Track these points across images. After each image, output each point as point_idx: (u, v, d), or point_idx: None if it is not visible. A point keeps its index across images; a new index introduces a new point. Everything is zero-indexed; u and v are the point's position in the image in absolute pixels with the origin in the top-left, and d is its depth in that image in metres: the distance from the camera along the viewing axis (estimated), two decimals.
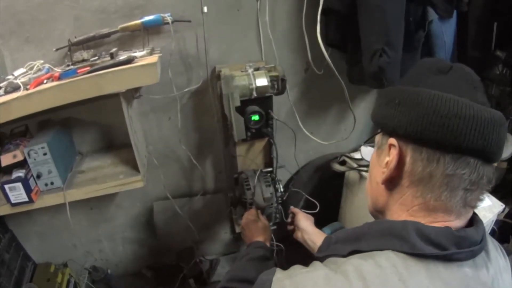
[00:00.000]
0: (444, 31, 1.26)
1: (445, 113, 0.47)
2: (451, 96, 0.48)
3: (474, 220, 0.53)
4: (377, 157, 0.58)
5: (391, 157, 0.52)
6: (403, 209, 0.54)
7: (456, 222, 0.51)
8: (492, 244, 0.56)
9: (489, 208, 1.26)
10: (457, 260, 0.48)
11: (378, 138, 0.59)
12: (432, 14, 1.19)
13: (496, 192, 1.39)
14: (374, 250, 0.49)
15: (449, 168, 0.48)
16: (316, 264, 0.52)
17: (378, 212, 0.60)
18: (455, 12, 1.27)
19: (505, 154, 1.41)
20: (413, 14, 1.14)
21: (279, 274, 0.52)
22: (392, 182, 0.54)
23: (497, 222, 1.44)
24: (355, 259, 0.49)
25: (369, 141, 0.70)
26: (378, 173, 0.57)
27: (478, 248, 0.50)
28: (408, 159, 0.51)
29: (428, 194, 0.50)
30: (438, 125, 0.47)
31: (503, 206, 1.28)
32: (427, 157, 0.49)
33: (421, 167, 0.50)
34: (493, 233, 1.40)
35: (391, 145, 0.53)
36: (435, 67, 0.53)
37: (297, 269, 0.53)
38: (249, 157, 1.24)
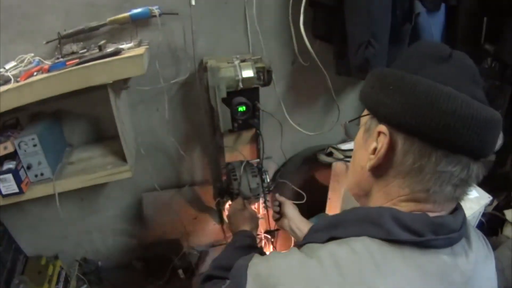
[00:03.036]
0: (432, 24, 1.31)
1: (443, 109, 0.46)
2: (451, 90, 0.47)
3: (454, 208, 0.54)
4: (363, 140, 0.58)
5: (380, 145, 0.52)
6: (387, 198, 0.54)
7: (441, 213, 0.52)
8: (475, 233, 0.58)
9: (476, 200, 1.32)
10: (434, 247, 0.49)
11: (365, 119, 0.57)
12: (419, 7, 1.23)
13: (485, 184, 1.43)
14: (350, 236, 0.50)
15: (440, 164, 0.48)
16: (293, 249, 0.54)
17: (360, 195, 0.61)
18: (443, 6, 1.32)
19: None
20: (399, 6, 1.17)
21: (255, 259, 0.55)
22: (378, 169, 0.54)
23: (486, 214, 1.50)
24: (330, 245, 0.50)
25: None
26: (363, 157, 0.56)
27: (457, 235, 0.51)
28: (398, 150, 0.51)
29: (416, 187, 0.51)
30: (434, 121, 0.46)
31: (491, 198, 1.34)
32: (418, 150, 0.49)
33: (412, 159, 0.50)
34: (481, 225, 1.46)
35: (380, 133, 0.52)
36: (435, 54, 0.52)
37: (273, 254, 0.56)
38: (236, 148, 1.30)
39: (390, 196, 0.54)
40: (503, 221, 1.54)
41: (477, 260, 0.53)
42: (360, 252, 0.47)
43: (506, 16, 1.30)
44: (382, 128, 0.52)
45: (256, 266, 0.53)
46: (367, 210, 0.54)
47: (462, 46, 1.35)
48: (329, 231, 0.54)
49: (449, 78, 0.49)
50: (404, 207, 0.52)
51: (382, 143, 0.52)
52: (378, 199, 0.56)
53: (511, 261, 1.28)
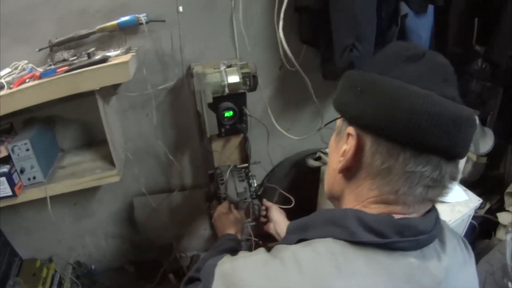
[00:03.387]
0: (420, 26, 1.31)
1: (408, 107, 0.45)
2: (417, 89, 0.46)
3: (429, 211, 0.53)
4: (335, 143, 0.58)
5: (349, 146, 0.52)
6: (358, 200, 0.54)
7: (411, 215, 0.51)
8: (452, 237, 0.56)
9: (465, 203, 1.31)
10: (401, 249, 0.48)
11: (338, 122, 0.57)
12: (405, 8, 1.22)
13: (476, 187, 1.43)
14: (316, 238, 0.50)
15: (409, 164, 0.47)
16: (259, 250, 0.55)
17: (334, 198, 0.60)
18: (431, 7, 1.33)
19: (485, 149, 1.46)
20: (385, 9, 1.18)
21: (224, 258, 0.56)
22: (349, 171, 0.54)
23: (478, 217, 1.49)
24: (295, 246, 0.51)
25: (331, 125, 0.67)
26: (335, 160, 0.56)
27: (426, 238, 0.49)
28: (366, 151, 0.50)
29: (385, 187, 0.50)
30: (400, 120, 0.46)
31: (480, 201, 1.33)
32: (386, 150, 0.48)
33: (380, 160, 0.49)
34: (473, 228, 1.46)
35: (349, 134, 0.52)
36: (405, 54, 0.51)
37: (240, 254, 0.57)
38: (224, 153, 1.32)
39: (360, 198, 0.53)
40: (496, 224, 1.53)
41: (451, 264, 0.51)
42: (322, 253, 0.47)
43: (496, 16, 1.30)
44: (350, 129, 0.52)
45: (223, 265, 0.54)
46: (333, 212, 0.54)
47: (453, 47, 1.35)
48: (300, 233, 0.54)
49: (417, 78, 0.48)
50: (374, 209, 0.52)
51: (350, 144, 0.52)
52: (350, 202, 0.56)
53: (501, 264, 1.28)
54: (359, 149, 0.51)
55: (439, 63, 0.51)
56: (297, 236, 0.54)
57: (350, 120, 0.53)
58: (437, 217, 0.53)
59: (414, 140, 0.46)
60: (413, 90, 0.46)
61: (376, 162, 0.50)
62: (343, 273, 0.45)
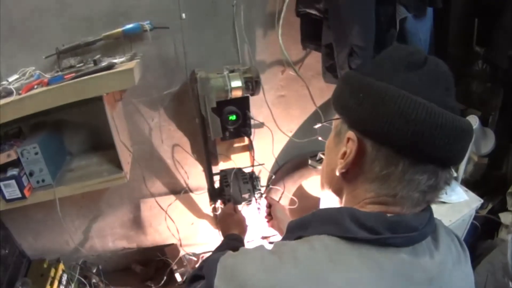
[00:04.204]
0: (419, 28, 1.31)
1: (411, 118, 0.46)
2: (420, 100, 0.47)
3: (423, 209, 0.54)
4: (334, 144, 0.59)
5: (349, 151, 0.53)
6: (355, 201, 0.55)
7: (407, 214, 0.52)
8: (447, 235, 0.58)
9: (465, 203, 1.32)
10: (393, 245, 0.49)
11: (336, 123, 0.58)
12: (403, 12, 1.22)
13: (478, 187, 1.44)
14: (313, 235, 0.52)
15: (407, 173, 0.49)
16: (260, 246, 0.57)
17: (332, 193, 0.62)
18: (430, 9, 1.33)
19: (486, 150, 1.47)
20: (383, 12, 1.18)
21: (227, 254, 0.57)
22: (347, 174, 0.55)
23: (480, 218, 1.50)
24: (293, 243, 0.53)
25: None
26: (333, 161, 0.58)
27: (417, 234, 0.51)
28: (366, 156, 0.51)
29: (383, 191, 0.52)
30: (402, 130, 0.47)
31: (481, 201, 1.34)
32: (386, 157, 0.50)
33: (379, 167, 0.50)
34: (475, 229, 1.46)
35: (349, 139, 0.53)
36: (407, 60, 0.51)
37: (242, 249, 0.59)
38: (229, 155, 1.35)
39: (357, 199, 0.55)
40: (498, 224, 1.54)
41: (444, 261, 0.53)
42: (317, 248, 0.49)
43: (495, 18, 1.31)
44: (351, 134, 0.52)
45: (225, 260, 0.55)
46: (329, 210, 0.56)
47: (453, 48, 1.36)
48: (298, 232, 0.56)
49: (419, 87, 0.49)
50: (369, 209, 0.53)
51: (351, 149, 0.52)
52: (347, 202, 0.58)
53: (502, 264, 1.29)
54: (359, 154, 0.52)
55: (441, 72, 0.52)
56: (296, 234, 0.56)
57: (351, 124, 0.54)
58: (430, 215, 0.55)
59: (414, 149, 0.48)
60: (417, 101, 0.47)
61: (375, 168, 0.51)
62: (337, 266, 0.47)
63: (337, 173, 0.56)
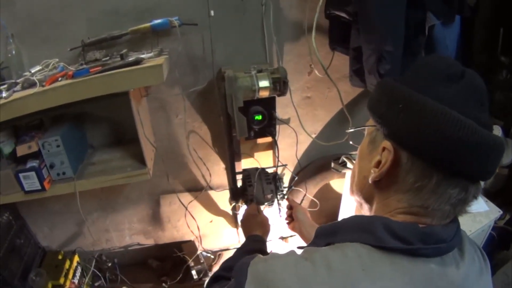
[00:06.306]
0: (447, 36, 1.27)
1: (448, 134, 0.46)
2: (457, 116, 0.46)
3: (451, 221, 0.54)
4: (367, 150, 0.58)
5: (384, 161, 0.52)
6: (386, 210, 0.55)
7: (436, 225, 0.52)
8: (471, 247, 0.57)
9: (485, 214, 1.29)
10: (423, 256, 0.49)
11: (371, 129, 0.57)
12: (433, 19, 1.20)
13: (496, 198, 1.40)
14: (345, 242, 0.52)
15: (440, 186, 0.49)
16: (291, 251, 0.56)
17: (361, 201, 0.61)
18: (458, 17, 1.28)
19: (507, 160, 1.42)
20: (412, 19, 1.15)
21: (257, 258, 0.56)
22: (380, 183, 0.55)
23: (497, 228, 1.45)
24: (325, 249, 0.52)
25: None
26: (366, 168, 0.57)
27: (446, 246, 0.51)
28: (400, 167, 0.51)
29: (415, 202, 0.51)
30: (439, 145, 0.47)
31: (501, 212, 1.30)
32: (420, 170, 0.49)
33: (413, 178, 0.50)
34: (492, 239, 1.42)
35: (385, 148, 0.52)
36: (445, 72, 0.50)
37: (272, 254, 0.58)
38: (252, 154, 1.30)
39: (388, 208, 0.55)
40: None
41: (468, 272, 0.52)
42: (350, 256, 0.48)
43: None
44: (387, 144, 0.52)
45: (256, 265, 0.54)
46: (362, 218, 0.55)
47: (478, 56, 1.33)
48: (328, 238, 0.55)
49: (456, 100, 0.48)
50: (400, 219, 0.53)
51: (386, 159, 0.52)
52: (378, 210, 0.57)
53: None
54: (394, 164, 0.51)
55: (477, 86, 0.51)
56: (326, 240, 0.55)
57: (388, 134, 0.52)
58: (457, 227, 0.55)
59: (449, 164, 0.48)
60: (455, 117, 0.46)
61: (409, 179, 0.51)
62: (369, 275, 0.47)
63: (370, 181, 0.55)
